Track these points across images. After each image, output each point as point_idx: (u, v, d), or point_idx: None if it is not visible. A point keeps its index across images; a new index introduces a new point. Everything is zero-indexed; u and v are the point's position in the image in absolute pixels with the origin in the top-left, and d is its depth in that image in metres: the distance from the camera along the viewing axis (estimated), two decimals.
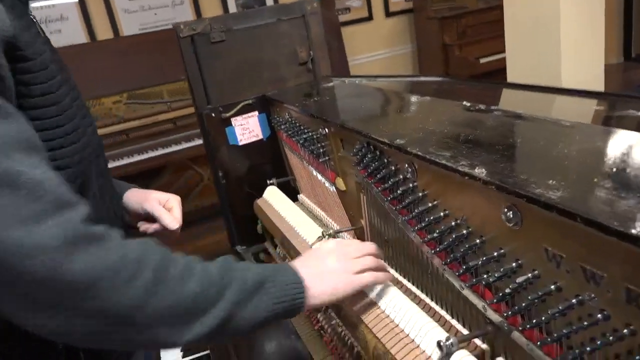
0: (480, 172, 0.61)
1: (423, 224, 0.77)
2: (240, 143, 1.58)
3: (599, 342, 0.49)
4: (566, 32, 1.98)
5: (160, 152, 3.75)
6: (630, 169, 0.55)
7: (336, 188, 1.18)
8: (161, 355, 1.46)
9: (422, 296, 0.88)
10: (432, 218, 0.76)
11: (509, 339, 0.64)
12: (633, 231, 0.43)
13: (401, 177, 0.83)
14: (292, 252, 1.23)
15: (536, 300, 0.57)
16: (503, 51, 2.45)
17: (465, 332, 0.77)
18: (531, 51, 2.11)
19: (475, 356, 0.68)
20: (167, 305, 0.63)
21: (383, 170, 0.88)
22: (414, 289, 0.91)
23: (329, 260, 0.81)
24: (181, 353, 1.46)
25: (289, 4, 1.60)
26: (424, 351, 0.73)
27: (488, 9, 4.32)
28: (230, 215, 1.64)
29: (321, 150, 1.19)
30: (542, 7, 2.04)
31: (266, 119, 1.59)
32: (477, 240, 0.67)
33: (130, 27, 4.06)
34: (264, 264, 0.80)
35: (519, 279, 0.59)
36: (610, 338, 0.48)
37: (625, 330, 0.48)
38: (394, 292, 0.86)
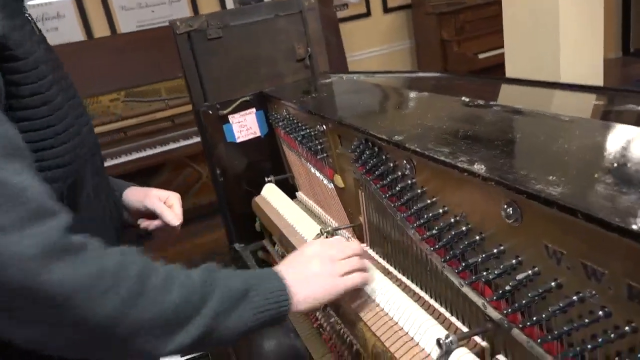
0: (479, 168, 0.60)
1: (422, 221, 0.77)
2: (238, 140, 1.57)
3: (600, 340, 0.49)
4: (565, 27, 1.98)
5: (159, 150, 3.74)
6: (631, 164, 0.54)
7: (334, 185, 1.18)
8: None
9: (421, 293, 0.88)
10: (431, 215, 0.75)
11: (509, 336, 0.64)
12: (635, 227, 0.42)
13: (400, 173, 0.83)
14: (291, 250, 1.22)
15: (536, 298, 0.56)
16: (501, 47, 2.44)
17: (464, 329, 0.76)
18: (530, 46, 2.11)
19: (475, 354, 0.68)
20: (149, 316, 0.62)
21: (381, 167, 0.88)
22: (413, 286, 0.90)
23: (313, 264, 0.80)
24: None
25: (287, 0, 1.59)
26: (423, 349, 0.73)
27: (486, 4, 4.30)
28: (228, 213, 1.63)
29: (319, 147, 1.18)
30: (541, 2, 2.03)
31: (264, 116, 1.59)
32: (477, 237, 0.67)
33: (127, 25, 4.04)
34: (248, 270, 0.78)
35: (519, 276, 0.59)
36: (612, 335, 0.48)
37: (626, 328, 0.47)
38: (392, 289, 0.85)
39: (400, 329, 0.78)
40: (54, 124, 0.73)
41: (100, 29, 3.95)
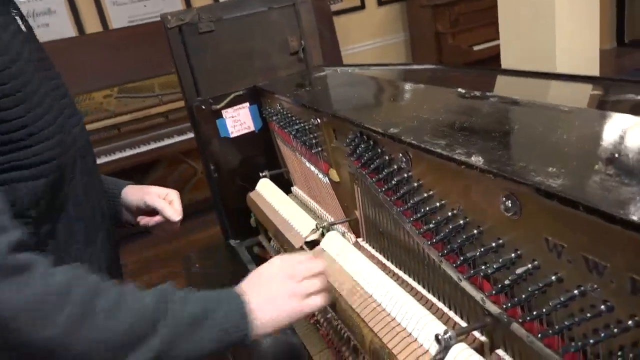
0: (477, 160, 0.59)
1: (419, 215, 0.75)
2: (232, 135, 1.55)
3: (602, 334, 0.48)
4: (561, 18, 1.96)
5: (153, 146, 3.71)
6: (632, 154, 0.53)
7: (329, 179, 1.16)
8: None
9: (419, 288, 0.86)
10: (427, 208, 0.74)
11: (508, 330, 0.63)
12: (637, 219, 0.41)
13: (395, 167, 0.81)
14: (286, 245, 1.21)
15: (536, 292, 0.55)
16: (496, 38, 2.42)
17: (463, 324, 0.75)
18: (526, 38, 2.09)
19: (474, 348, 0.67)
20: (94, 340, 0.60)
21: (377, 161, 0.86)
22: (410, 280, 0.89)
23: (276, 284, 0.77)
24: None
25: None
26: (421, 345, 0.72)
27: None
28: (222, 209, 1.62)
29: (314, 141, 1.17)
30: None
31: (257, 110, 1.57)
32: (475, 231, 0.65)
33: (119, 20, 4.00)
34: (209, 292, 0.74)
35: (519, 270, 0.58)
36: (615, 330, 0.46)
37: (629, 322, 0.46)
38: (389, 284, 0.84)
39: (397, 325, 0.77)
40: (27, 124, 0.71)
41: (92, 25, 3.91)
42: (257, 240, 1.59)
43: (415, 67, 1.60)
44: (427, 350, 0.70)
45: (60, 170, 0.77)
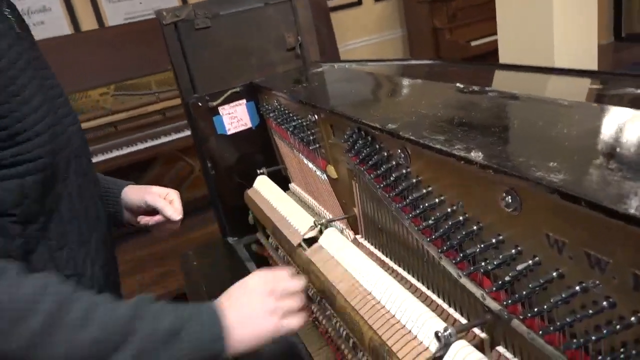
0: (476, 155, 0.58)
1: (418, 211, 0.75)
2: (229, 132, 1.54)
3: (605, 331, 0.47)
4: (558, 13, 1.95)
5: (150, 144, 3.69)
6: (634, 148, 0.52)
7: (327, 176, 1.15)
8: None
9: (418, 285, 0.86)
10: (427, 205, 0.73)
11: (508, 327, 0.62)
12: None
13: (394, 163, 0.81)
14: (284, 243, 1.20)
15: (537, 288, 0.55)
16: (494, 34, 2.41)
17: (463, 321, 0.74)
18: (523, 32, 2.08)
19: (474, 345, 0.66)
20: (61, 352, 0.59)
21: (375, 157, 0.86)
22: (409, 277, 0.89)
23: (256, 301, 0.76)
24: None
25: None
26: (421, 342, 0.71)
27: None
28: (220, 207, 1.61)
29: (311, 137, 1.16)
30: None
31: (255, 107, 1.56)
32: (475, 227, 0.65)
33: (115, 17, 3.98)
34: (186, 305, 0.73)
35: (519, 267, 0.57)
36: (618, 327, 0.46)
37: (632, 318, 0.45)
38: (388, 281, 0.84)
39: (397, 322, 0.76)
40: (10, 123, 0.70)
41: (88, 22, 3.89)
42: (255, 237, 1.58)
43: (413, 62, 1.59)
44: (427, 348, 0.70)
45: (52, 169, 0.76)
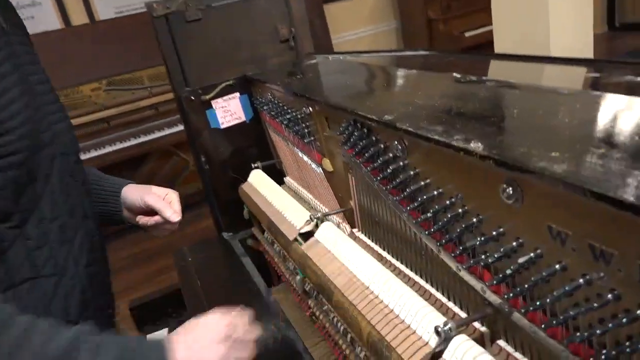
0: (476, 146, 0.57)
1: (416, 204, 0.73)
2: (222, 126, 1.52)
3: (610, 324, 0.46)
4: (554, 2, 1.94)
5: (143, 139, 3.67)
6: (638, 137, 0.51)
7: (323, 169, 1.14)
8: None
9: (417, 279, 0.84)
10: (425, 197, 0.72)
11: (509, 321, 0.61)
12: None
13: (391, 155, 0.79)
14: (280, 237, 1.19)
15: (539, 281, 0.53)
16: (488, 24, 2.39)
17: (463, 315, 0.73)
18: (519, 22, 2.06)
19: (474, 339, 0.65)
20: None
21: (371, 149, 0.84)
22: (407, 271, 0.87)
23: (209, 344, 0.72)
24: None
25: None
26: (420, 337, 0.70)
27: None
28: (215, 202, 1.59)
29: (306, 130, 1.14)
30: None
31: (248, 100, 1.54)
32: (474, 219, 0.63)
33: (105, 11, 3.93)
34: (132, 339, 0.70)
35: (521, 259, 0.56)
36: (624, 320, 0.45)
37: (638, 311, 0.44)
38: (386, 275, 0.82)
39: (396, 317, 0.75)
40: None
41: (78, 17, 3.84)
42: (251, 232, 1.57)
43: (408, 53, 1.57)
44: (427, 343, 0.69)
45: (29, 167, 0.74)
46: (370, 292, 0.82)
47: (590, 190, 0.43)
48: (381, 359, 0.74)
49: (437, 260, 0.74)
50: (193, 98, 1.46)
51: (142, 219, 1.07)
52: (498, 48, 2.24)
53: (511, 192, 0.55)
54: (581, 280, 0.49)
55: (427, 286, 0.82)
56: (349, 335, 0.89)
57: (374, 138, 0.84)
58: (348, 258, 0.92)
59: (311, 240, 1.06)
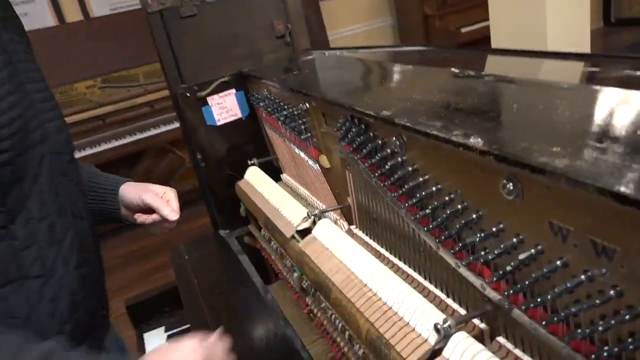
0: (476, 141, 0.56)
1: (414, 200, 0.73)
2: (218, 123, 1.51)
3: (612, 321, 0.45)
4: None
5: (139, 136, 3.66)
6: None
7: (320, 166, 1.13)
8: (146, 348, 1.42)
9: (415, 275, 0.84)
10: (423, 193, 0.71)
11: (509, 317, 0.60)
12: None
13: (389, 151, 0.78)
14: (277, 235, 1.18)
15: (540, 278, 0.53)
16: (484, 20, 2.39)
17: (462, 311, 0.73)
18: (516, 17, 2.06)
19: (473, 336, 0.65)
20: None
21: (369, 145, 0.83)
22: (406, 268, 0.87)
23: None
24: (165, 335, 1.42)
25: None
26: (420, 334, 0.69)
27: None
28: (211, 199, 1.58)
29: (303, 126, 1.13)
30: None
31: (244, 97, 1.53)
32: (474, 216, 0.62)
33: (100, 8, 3.91)
34: (101, 356, 0.69)
35: (522, 256, 0.55)
36: (627, 317, 0.44)
37: None
38: (385, 272, 0.82)
39: (394, 314, 0.75)
40: None
41: (72, 14, 3.82)
42: (248, 229, 1.56)
43: (405, 49, 1.56)
44: (426, 340, 0.68)
45: (16, 166, 0.72)
46: (369, 290, 0.82)
47: (593, 185, 0.42)
48: (380, 356, 0.73)
49: (436, 256, 0.73)
50: (188, 95, 1.45)
51: (140, 217, 1.07)
52: (495, 43, 2.23)
53: (511, 187, 0.54)
54: (583, 277, 0.49)
55: (426, 283, 0.81)
56: (347, 333, 0.89)
57: (371, 134, 0.83)
58: (346, 255, 0.92)
59: (308, 237, 1.05)
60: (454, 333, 0.64)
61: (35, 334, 0.73)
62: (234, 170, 1.52)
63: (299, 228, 1.11)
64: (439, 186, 0.69)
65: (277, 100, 1.27)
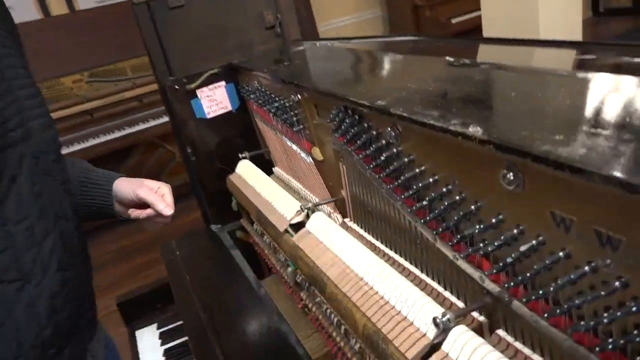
0: (475, 130, 0.54)
1: (411, 192, 0.71)
2: (208, 116, 1.49)
3: (618, 313, 0.44)
4: None
5: (127, 131, 3.62)
6: None
7: (313, 158, 1.11)
8: (138, 346, 1.40)
9: (412, 268, 0.83)
10: (420, 185, 0.69)
11: (509, 310, 0.59)
12: None
13: (384, 142, 0.76)
14: (270, 229, 1.16)
15: (542, 269, 0.51)
16: (475, 10, 2.38)
17: (460, 304, 0.71)
18: (508, 7, 2.05)
19: (472, 329, 0.64)
20: None
21: (363, 136, 0.81)
22: (402, 261, 0.85)
23: None
24: (160, 341, 1.40)
25: None
26: (418, 329, 0.68)
27: None
28: (202, 194, 1.56)
29: (295, 118, 1.11)
30: None
31: (234, 89, 1.50)
32: (472, 207, 0.61)
33: (86, 0, 3.84)
34: None
35: (523, 247, 0.54)
36: (633, 308, 0.43)
37: None
38: (381, 265, 0.80)
39: (392, 308, 0.73)
40: None
41: (57, 6, 3.75)
42: (240, 224, 1.54)
43: (397, 38, 1.54)
44: (425, 334, 0.67)
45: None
46: (365, 284, 0.80)
47: (599, 174, 0.41)
48: (377, 351, 0.72)
49: (433, 249, 0.72)
50: (177, 87, 1.43)
51: (134, 212, 1.06)
52: (487, 33, 2.22)
53: (512, 177, 0.53)
54: (586, 268, 0.47)
55: (423, 276, 0.80)
56: (342, 327, 0.87)
57: (365, 125, 0.82)
58: (341, 249, 0.90)
59: (302, 231, 1.04)
60: (453, 327, 0.63)
61: (12, 339, 0.71)
62: (225, 163, 1.50)
63: (293, 222, 1.09)
64: (436, 177, 0.67)
65: (268, 92, 1.25)
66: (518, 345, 0.62)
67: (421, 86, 0.78)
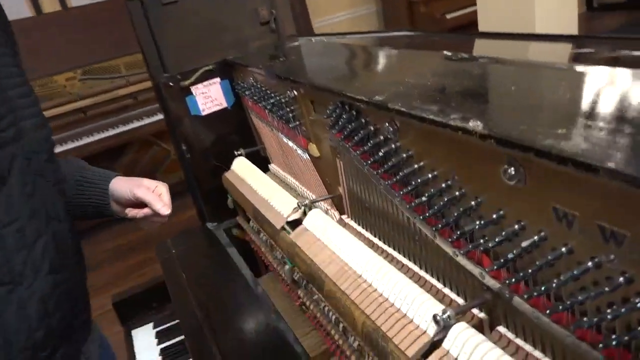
0: (475, 125, 0.53)
1: (409, 188, 0.70)
2: (203, 113, 1.47)
3: (623, 309, 0.43)
4: None
5: (122, 129, 3.60)
6: None
7: (309, 155, 1.10)
8: (134, 345, 1.39)
9: (410, 265, 0.82)
10: (419, 181, 0.68)
11: (510, 306, 0.59)
12: None
13: (381, 137, 0.76)
14: (267, 226, 1.15)
15: (544, 265, 0.51)
16: (469, 5, 2.37)
17: (460, 301, 0.71)
18: (503, 2, 2.04)
19: (473, 326, 0.63)
20: None
21: (361, 132, 0.80)
22: (400, 257, 0.85)
23: None
24: (156, 340, 1.39)
25: None
26: (418, 326, 0.67)
27: None
28: (198, 191, 1.55)
29: (291, 115, 1.10)
30: None
31: (229, 86, 1.49)
32: (472, 203, 0.60)
33: None
34: None
35: (524, 243, 0.53)
36: (638, 304, 0.42)
37: None
38: (379, 262, 0.79)
39: (391, 306, 0.72)
40: None
41: (49, 3, 3.71)
42: (236, 221, 1.53)
43: (393, 34, 1.53)
44: (425, 332, 0.66)
45: None
46: (364, 281, 0.80)
47: (603, 168, 0.40)
48: (377, 349, 0.71)
49: (432, 245, 0.71)
50: (172, 84, 1.41)
51: (131, 212, 1.06)
52: (482, 28, 2.21)
53: (513, 172, 0.52)
54: (590, 264, 0.47)
55: (422, 272, 0.79)
56: (341, 325, 0.86)
57: (363, 120, 0.81)
58: (339, 246, 0.89)
59: (299, 228, 1.03)
60: (454, 324, 0.63)
61: (2, 341, 0.70)
62: (221, 161, 1.49)
63: (289, 219, 1.08)
64: (435, 173, 0.67)
65: (263, 88, 1.23)
66: (519, 342, 0.61)
67: (419, 81, 0.77)
